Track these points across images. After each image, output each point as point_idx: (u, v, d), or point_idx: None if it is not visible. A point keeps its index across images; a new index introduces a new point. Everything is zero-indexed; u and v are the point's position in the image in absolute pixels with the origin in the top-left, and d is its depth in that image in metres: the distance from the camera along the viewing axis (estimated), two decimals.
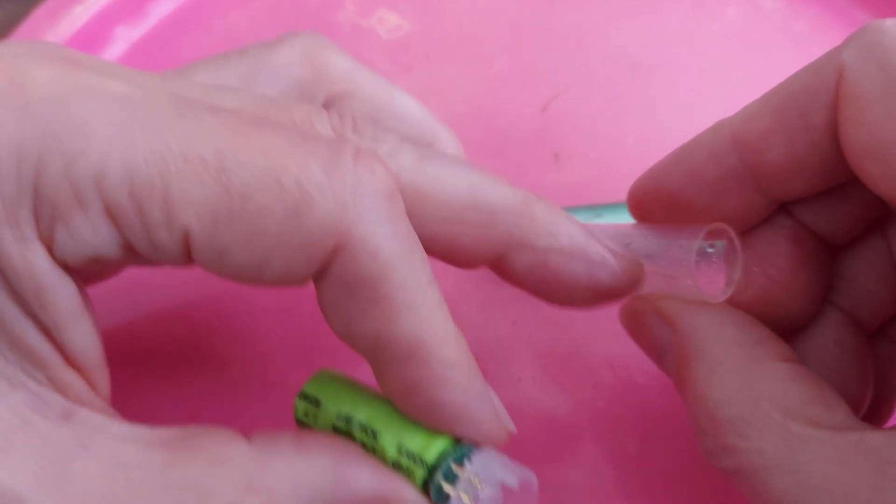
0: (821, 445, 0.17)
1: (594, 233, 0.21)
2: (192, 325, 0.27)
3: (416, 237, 0.18)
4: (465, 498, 0.18)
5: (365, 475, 0.18)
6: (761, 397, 0.18)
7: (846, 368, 0.19)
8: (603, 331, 0.26)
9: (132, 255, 0.17)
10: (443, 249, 0.20)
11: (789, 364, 0.18)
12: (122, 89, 0.17)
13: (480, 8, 0.35)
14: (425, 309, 0.17)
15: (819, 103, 0.18)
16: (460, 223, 0.20)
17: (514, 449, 0.24)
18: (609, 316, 0.26)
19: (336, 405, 0.19)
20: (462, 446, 0.18)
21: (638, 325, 0.21)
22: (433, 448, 0.18)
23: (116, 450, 0.17)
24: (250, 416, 0.25)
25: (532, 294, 0.21)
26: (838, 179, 0.19)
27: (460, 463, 0.18)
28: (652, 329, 0.21)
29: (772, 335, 0.19)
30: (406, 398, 0.18)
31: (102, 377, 0.18)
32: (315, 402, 0.20)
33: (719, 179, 0.20)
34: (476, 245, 0.20)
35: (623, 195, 0.28)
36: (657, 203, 0.21)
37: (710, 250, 0.20)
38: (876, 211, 0.21)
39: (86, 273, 0.18)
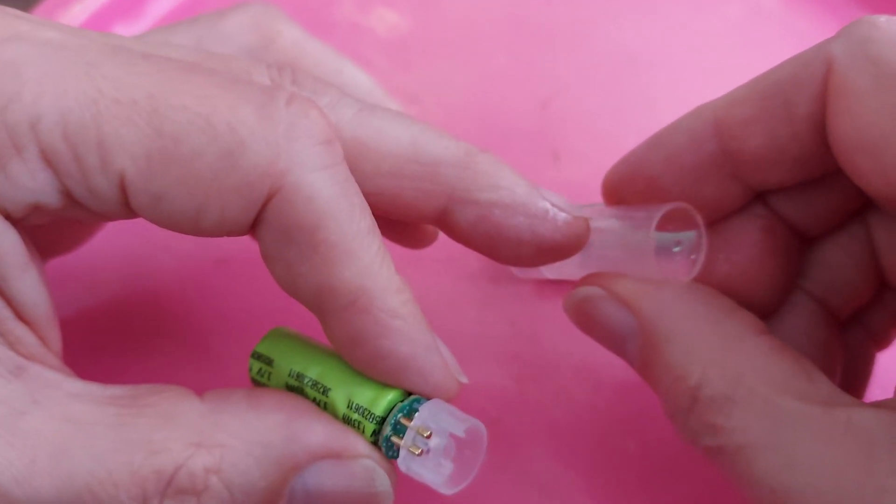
0: (807, 422, 0.16)
1: (538, 187, 0.20)
2: (184, 319, 0.27)
3: (355, 185, 0.18)
4: (413, 450, 0.18)
5: (316, 430, 0.18)
6: (744, 373, 0.17)
7: (813, 359, 0.19)
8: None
9: (72, 203, 0.17)
10: (386, 204, 0.20)
11: (766, 337, 0.18)
12: (57, 36, 0.17)
13: (479, 5, 0.35)
14: (365, 257, 0.17)
15: (805, 94, 0.18)
16: (403, 177, 0.19)
17: (514, 449, 0.24)
18: None
19: (288, 363, 0.20)
20: (412, 399, 0.18)
21: (588, 313, 0.21)
22: (382, 402, 0.18)
23: (68, 406, 0.17)
24: None
25: (478, 251, 0.21)
26: (817, 171, 0.19)
27: (409, 416, 0.18)
28: (606, 315, 0.20)
29: (739, 307, 0.19)
30: (351, 349, 0.18)
31: (53, 333, 0.18)
32: (268, 361, 0.20)
33: (698, 165, 0.20)
34: (419, 199, 0.20)
35: None
36: (633, 189, 0.21)
37: (675, 239, 0.20)
38: (851, 204, 0.20)
39: (33, 225, 0.18)
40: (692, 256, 0.20)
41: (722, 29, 0.33)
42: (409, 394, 0.19)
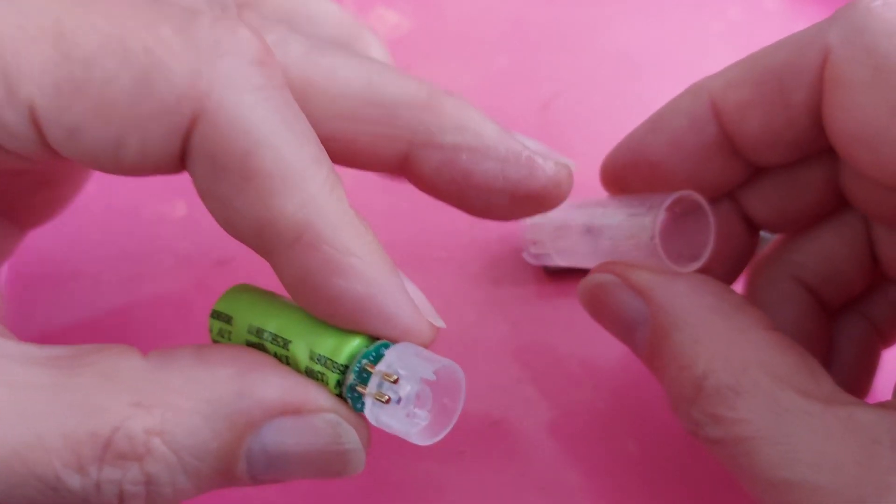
0: (809, 418, 0.16)
1: (513, 133, 0.19)
2: (185, 319, 0.27)
3: (299, 111, 0.16)
4: (379, 397, 0.16)
5: (272, 383, 0.16)
6: (749, 366, 0.17)
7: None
8: (603, 331, 0.26)
9: None
10: (341, 150, 0.19)
11: (773, 332, 0.18)
12: None
13: (480, 6, 0.35)
14: (309, 187, 0.16)
15: (800, 82, 0.18)
16: (358, 120, 0.18)
17: (515, 449, 0.24)
18: None
19: (247, 319, 0.18)
20: (378, 344, 0.17)
21: (601, 299, 0.20)
22: (345, 349, 0.17)
23: (4, 369, 0.15)
24: None
25: (446, 201, 0.19)
26: (814, 150, 0.19)
27: (375, 362, 0.16)
28: (619, 302, 0.19)
29: (748, 303, 0.19)
30: (304, 293, 0.17)
31: None
32: (227, 319, 0.18)
33: (701, 147, 0.19)
34: (377, 144, 0.19)
35: None
36: (636, 174, 0.20)
37: (680, 227, 0.20)
38: (828, 203, 0.20)
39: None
40: (702, 243, 0.20)
41: (722, 30, 0.33)
42: (374, 339, 0.17)
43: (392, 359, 0.16)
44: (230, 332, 0.18)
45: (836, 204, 0.21)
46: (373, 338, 0.17)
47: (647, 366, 0.20)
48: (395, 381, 0.16)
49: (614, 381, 0.25)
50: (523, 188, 0.19)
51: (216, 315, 0.19)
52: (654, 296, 0.19)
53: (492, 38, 0.34)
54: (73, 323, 0.26)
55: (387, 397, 0.16)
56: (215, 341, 0.19)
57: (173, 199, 0.29)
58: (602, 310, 0.20)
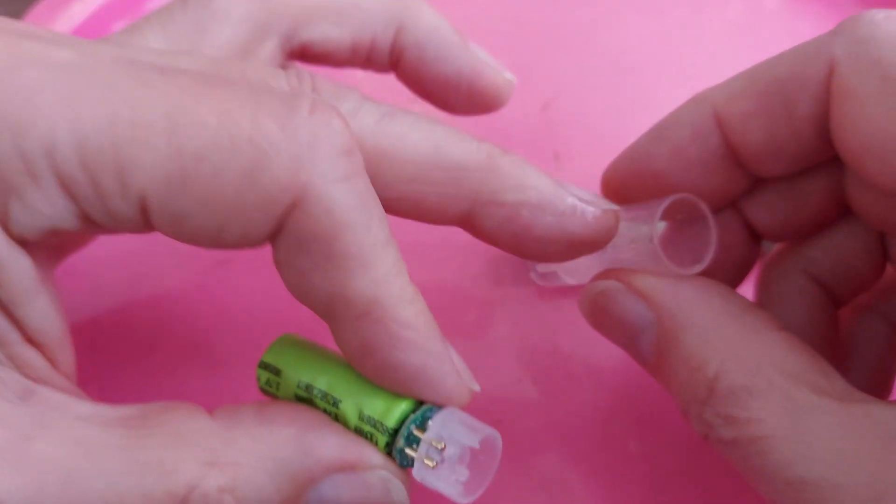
0: (825, 416, 0.16)
1: (564, 184, 0.20)
2: (186, 319, 0.27)
3: (374, 194, 0.18)
4: (427, 462, 0.18)
5: (330, 442, 0.18)
6: (763, 365, 0.17)
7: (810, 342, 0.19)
8: None
9: (91, 224, 0.17)
10: (409, 209, 0.20)
11: (783, 332, 0.18)
12: (69, 56, 0.16)
13: (480, 6, 0.35)
14: (381, 268, 0.17)
15: (805, 94, 0.18)
16: (426, 182, 0.19)
17: (516, 448, 0.24)
18: None
19: (296, 373, 0.19)
20: (424, 409, 0.18)
21: (604, 307, 0.20)
22: (394, 413, 0.18)
23: (77, 429, 0.16)
24: None
25: (506, 250, 0.21)
26: (817, 161, 0.19)
27: (421, 427, 0.18)
28: (623, 309, 0.20)
29: (755, 304, 0.19)
30: (363, 360, 0.18)
31: (65, 354, 0.18)
32: (275, 372, 0.19)
33: (704, 158, 0.20)
34: (443, 203, 0.20)
35: None
36: (638, 184, 0.21)
37: (680, 232, 0.20)
38: (831, 212, 0.21)
39: (48, 245, 0.17)
40: (704, 247, 0.20)
41: (722, 30, 0.33)
42: (421, 403, 0.18)
43: (439, 426, 0.18)
44: (278, 384, 0.19)
45: (839, 213, 0.21)
46: (419, 401, 0.18)
47: (652, 372, 0.19)
48: (442, 449, 0.18)
49: (615, 380, 0.25)
50: (578, 237, 0.20)
51: (264, 366, 0.20)
52: (659, 299, 0.19)
53: (492, 38, 0.34)
54: (74, 323, 0.26)
55: (435, 462, 0.18)
56: (262, 390, 0.20)
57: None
58: (605, 318, 0.20)
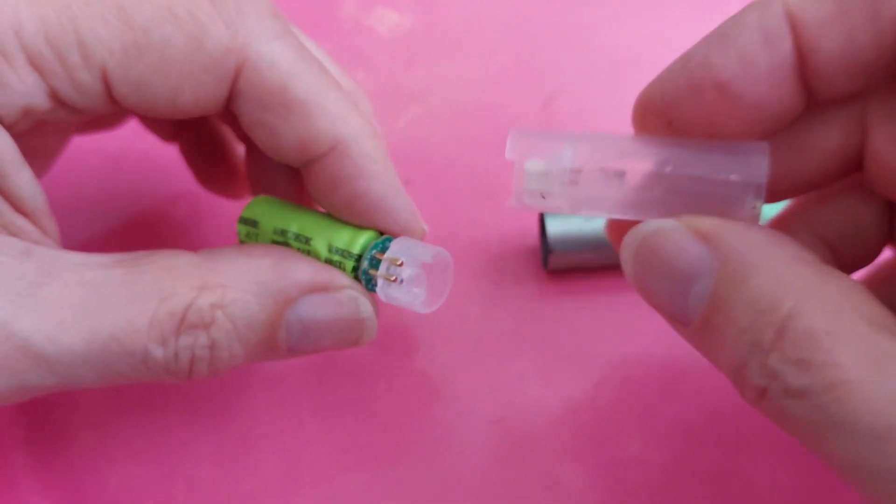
0: None
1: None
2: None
3: (308, 49, 0.20)
4: (388, 278, 0.20)
5: (303, 268, 0.20)
6: (843, 309, 0.16)
7: None
8: (604, 330, 0.26)
9: (58, 104, 0.19)
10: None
11: (859, 284, 0.17)
12: None
13: (480, 5, 0.35)
14: (336, 107, 0.20)
15: None
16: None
17: (517, 446, 0.24)
18: (611, 315, 0.26)
19: (271, 222, 0.22)
20: (384, 238, 0.21)
21: (654, 249, 0.18)
22: (358, 240, 0.21)
23: (79, 273, 0.19)
24: (255, 412, 0.25)
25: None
26: (891, 77, 0.17)
27: (382, 251, 0.21)
28: (680, 250, 0.17)
29: (826, 261, 0.17)
30: (332, 194, 0.21)
31: (50, 224, 0.20)
32: (253, 224, 0.22)
33: (774, 66, 0.17)
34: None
35: None
36: (694, 100, 0.18)
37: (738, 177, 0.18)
38: (838, 173, 0.20)
39: (22, 132, 0.19)
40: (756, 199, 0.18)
41: None
42: (381, 234, 0.21)
43: (396, 248, 0.21)
44: (257, 234, 0.22)
45: (847, 173, 0.20)
46: (379, 233, 0.21)
47: (694, 334, 0.18)
48: (400, 265, 0.20)
49: (616, 379, 0.25)
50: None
51: (243, 221, 0.22)
52: (727, 241, 0.17)
53: (492, 37, 0.34)
54: None
55: (394, 277, 0.20)
56: (242, 243, 0.22)
57: (176, 200, 0.29)
58: (652, 263, 0.18)
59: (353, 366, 0.26)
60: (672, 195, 0.18)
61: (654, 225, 0.18)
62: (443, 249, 0.21)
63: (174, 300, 0.19)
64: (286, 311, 0.20)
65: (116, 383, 0.19)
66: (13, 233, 0.19)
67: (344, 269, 0.21)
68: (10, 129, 0.19)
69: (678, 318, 0.18)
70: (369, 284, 0.21)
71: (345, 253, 0.21)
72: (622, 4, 0.34)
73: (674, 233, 0.18)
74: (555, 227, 0.26)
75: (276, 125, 0.20)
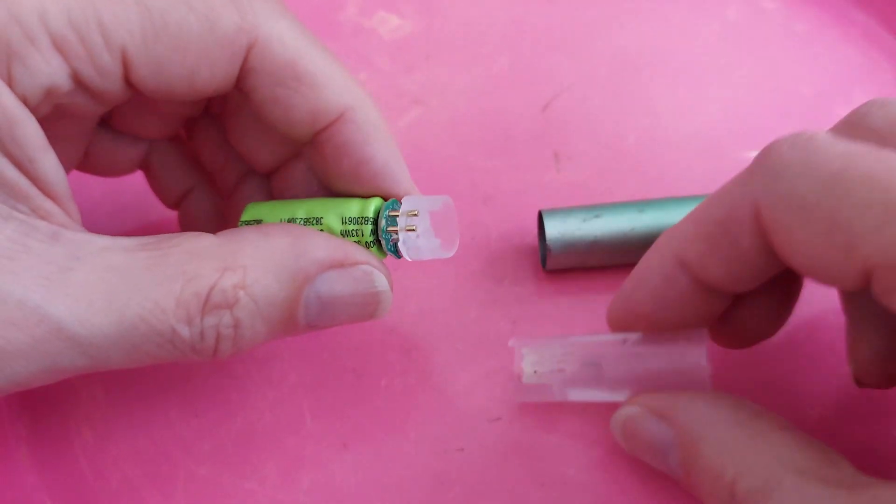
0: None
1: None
2: None
3: (310, 32, 0.22)
4: (410, 228, 0.21)
5: (320, 245, 0.21)
6: (774, 465, 0.19)
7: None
8: (603, 329, 0.26)
9: (80, 87, 0.20)
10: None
11: (790, 431, 0.19)
12: None
13: (481, 8, 0.35)
14: (340, 80, 0.22)
15: (743, 230, 0.19)
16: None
17: (515, 446, 0.24)
18: None
19: (276, 216, 0.23)
20: (392, 201, 0.22)
21: (632, 432, 0.22)
22: (370, 206, 0.22)
23: (106, 257, 0.19)
24: (255, 411, 0.25)
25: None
26: (772, 275, 0.20)
27: (395, 210, 0.22)
28: (649, 431, 0.21)
29: (763, 409, 0.20)
30: (338, 161, 0.22)
31: (73, 207, 0.20)
32: (257, 223, 0.23)
33: (680, 296, 0.21)
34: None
35: (623, 194, 0.28)
36: (637, 320, 0.22)
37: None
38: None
39: (45, 124, 0.20)
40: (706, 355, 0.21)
41: (721, 31, 0.34)
42: (385, 199, 0.22)
43: (407, 203, 0.22)
44: None
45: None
46: (383, 199, 0.22)
47: (686, 486, 0.21)
48: (416, 215, 0.21)
49: None
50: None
51: (246, 224, 0.23)
52: (677, 416, 0.21)
53: (492, 40, 0.34)
54: None
55: (414, 226, 0.21)
56: (259, 223, 0.23)
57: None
58: (636, 441, 0.22)
59: (353, 365, 0.26)
60: (637, 374, 0.22)
61: (624, 413, 0.22)
62: (447, 197, 0.23)
63: (198, 282, 0.19)
64: (305, 289, 0.21)
65: (144, 363, 0.20)
66: (42, 216, 0.19)
67: (362, 237, 0.22)
68: (33, 111, 0.19)
69: (671, 477, 0.21)
70: (389, 245, 0.22)
71: (360, 220, 0.22)
72: (621, 6, 0.34)
73: (638, 417, 0.21)
74: (553, 227, 0.26)
75: (289, 97, 0.21)
